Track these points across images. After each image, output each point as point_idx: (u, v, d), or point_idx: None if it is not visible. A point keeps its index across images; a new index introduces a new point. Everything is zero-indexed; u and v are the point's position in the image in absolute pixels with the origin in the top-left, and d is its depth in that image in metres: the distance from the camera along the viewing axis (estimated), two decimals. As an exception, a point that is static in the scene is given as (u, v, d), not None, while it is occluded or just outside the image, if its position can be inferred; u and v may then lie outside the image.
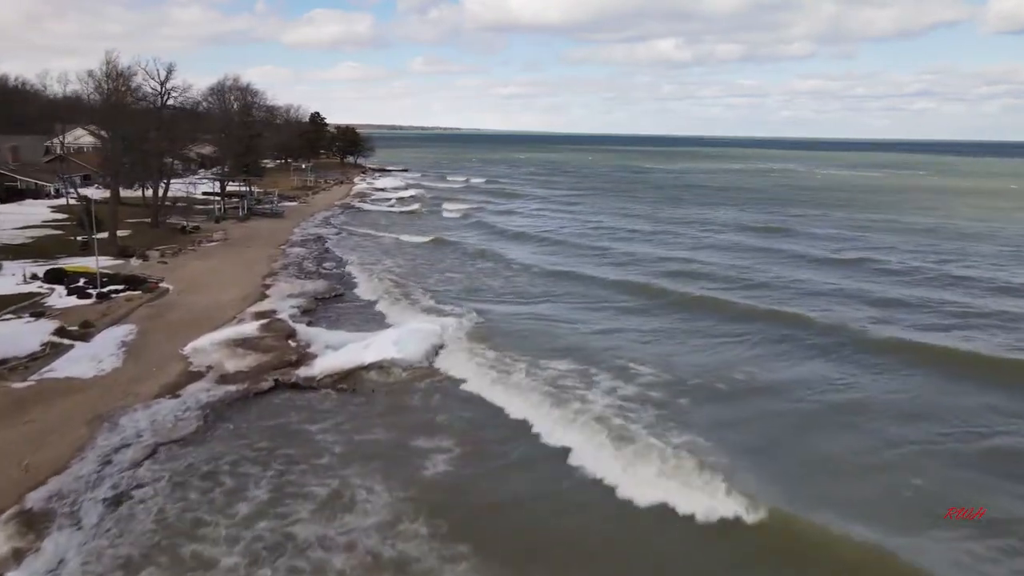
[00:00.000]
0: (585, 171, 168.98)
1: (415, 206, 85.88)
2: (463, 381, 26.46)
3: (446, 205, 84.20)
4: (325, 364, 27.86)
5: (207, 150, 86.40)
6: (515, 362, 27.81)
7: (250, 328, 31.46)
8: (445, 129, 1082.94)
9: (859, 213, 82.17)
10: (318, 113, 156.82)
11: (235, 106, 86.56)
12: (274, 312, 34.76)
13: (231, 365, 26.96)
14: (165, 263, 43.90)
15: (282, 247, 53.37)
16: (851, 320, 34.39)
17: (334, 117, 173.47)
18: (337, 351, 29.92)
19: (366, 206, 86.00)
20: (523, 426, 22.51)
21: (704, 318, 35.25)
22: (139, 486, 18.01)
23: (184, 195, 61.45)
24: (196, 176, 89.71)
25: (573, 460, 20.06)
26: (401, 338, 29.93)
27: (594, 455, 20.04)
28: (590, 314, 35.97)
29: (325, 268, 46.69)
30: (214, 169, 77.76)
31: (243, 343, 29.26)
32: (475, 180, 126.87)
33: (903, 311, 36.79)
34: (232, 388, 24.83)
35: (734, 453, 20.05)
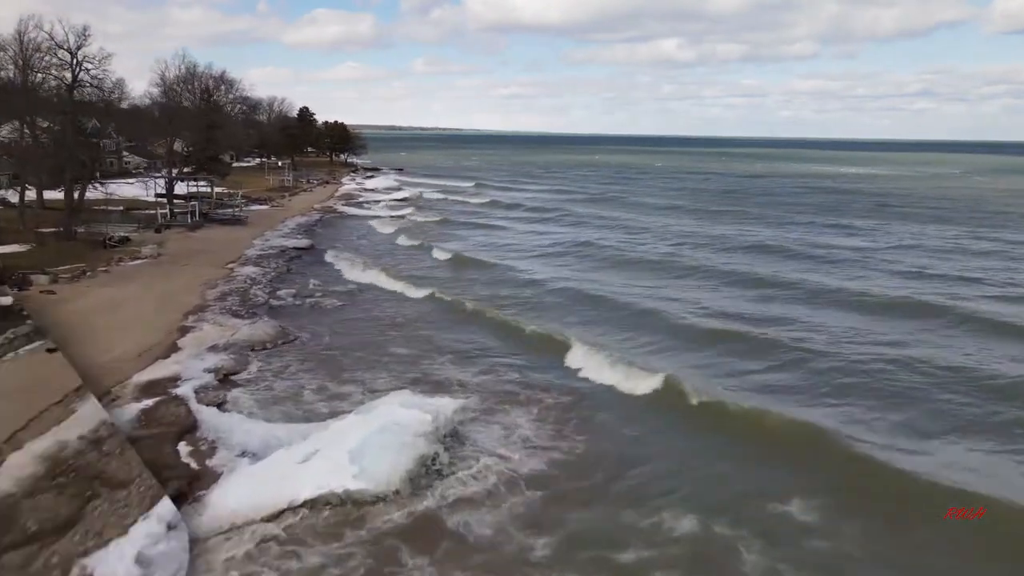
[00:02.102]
0: (593, 175, 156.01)
1: (408, 210, 73.74)
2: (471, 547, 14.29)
3: (437, 222, 70.14)
4: (226, 504, 15.73)
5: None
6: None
7: (121, 419, 19.35)
8: (445, 130, 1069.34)
9: (941, 227, 64.94)
10: (306, 108, 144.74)
11: (198, 95, 73.97)
12: (176, 381, 22.68)
13: (44, 516, 14.71)
14: (52, 293, 31.65)
15: (231, 265, 41.16)
16: None
17: (333, 117, 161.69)
18: (256, 464, 17.89)
19: (350, 210, 73.70)
20: None
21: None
22: None
23: (106, 196, 48.87)
24: (156, 175, 77.30)
25: None
26: (366, 444, 17.78)
27: None
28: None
29: (279, 298, 34.47)
30: (177, 169, 65.41)
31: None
32: (473, 185, 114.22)
33: None
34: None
35: None
